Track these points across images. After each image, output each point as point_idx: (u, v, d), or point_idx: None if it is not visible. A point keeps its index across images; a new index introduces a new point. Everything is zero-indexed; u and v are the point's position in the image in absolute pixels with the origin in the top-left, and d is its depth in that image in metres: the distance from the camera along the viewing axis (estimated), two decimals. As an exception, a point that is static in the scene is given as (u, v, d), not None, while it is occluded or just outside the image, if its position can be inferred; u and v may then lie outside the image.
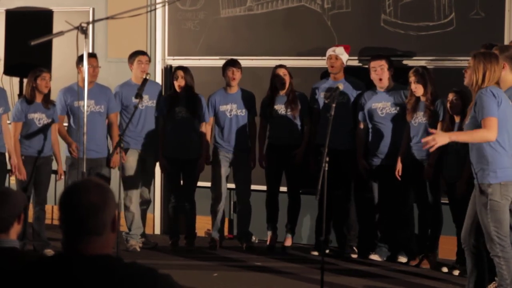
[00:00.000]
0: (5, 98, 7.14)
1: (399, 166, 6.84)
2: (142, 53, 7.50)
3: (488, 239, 5.01)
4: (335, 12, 7.49)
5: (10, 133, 6.96)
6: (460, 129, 6.39)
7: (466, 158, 6.33)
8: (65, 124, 7.34)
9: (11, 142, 6.93)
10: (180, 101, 7.34)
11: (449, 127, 6.50)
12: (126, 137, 7.24)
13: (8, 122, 7.07)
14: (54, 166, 7.21)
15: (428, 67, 6.94)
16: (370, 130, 7.10)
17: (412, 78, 6.68)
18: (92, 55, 7.24)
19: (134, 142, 7.38)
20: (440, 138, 4.96)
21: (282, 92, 7.34)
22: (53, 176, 7.28)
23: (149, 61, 7.53)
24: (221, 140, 7.43)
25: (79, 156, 7.03)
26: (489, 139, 4.93)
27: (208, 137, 7.49)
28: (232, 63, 7.37)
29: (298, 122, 7.36)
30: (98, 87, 7.27)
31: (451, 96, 6.45)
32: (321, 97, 7.28)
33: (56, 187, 7.88)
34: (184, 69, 7.37)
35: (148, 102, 7.42)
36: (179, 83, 7.30)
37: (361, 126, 7.14)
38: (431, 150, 5.13)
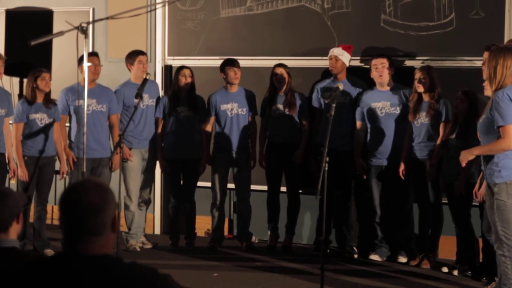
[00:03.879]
0: (9, 100, 7.14)
1: (402, 166, 6.84)
2: (142, 53, 7.50)
3: (496, 238, 4.98)
4: (335, 12, 7.49)
5: (12, 136, 6.96)
6: (463, 129, 6.39)
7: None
8: (67, 124, 7.34)
9: (13, 145, 6.93)
10: (181, 101, 7.35)
11: (453, 127, 6.50)
12: (129, 137, 7.27)
13: (10, 122, 7.06)
14: (57, 166, 7.21)
15: (428, 67, 6.95)
16: (369, 130, 7.10)
17: (418, 74, 6.68)
18: (94, 54, 7.25)
19: (136, 142, 7.38)
20: (465, 155, 5.09)
21: (281, 92, 7.35)
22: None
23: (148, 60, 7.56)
24: (222, 139, 7.42)
25: (79, 156, 7.04)
26: (506, 148, 4.85)
27: (209, 136, 7.49)
28: (232, 63, 7.37)
29: (297, 121, 7.36)
30: (100, 88, 7.28)
31: (460, 95, 6.45)
32: (322, 96, 7.29)
33: (56, 187, 7.88)
34: (190, 68, 7.39)
35: (149, 101, 7.43)
36: (187, 81, 7.30)
37: (359, 125, 7.14)
38: (463, 166, 5.25)
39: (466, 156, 5.08)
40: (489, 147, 4.97)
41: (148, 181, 7.57)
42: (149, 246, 7.50)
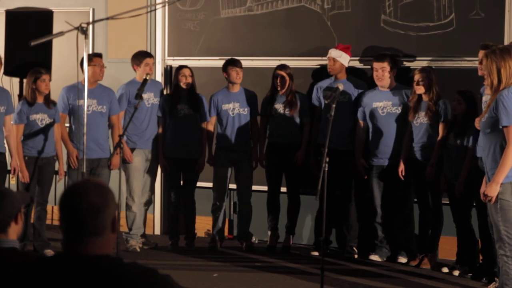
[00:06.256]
0: (9, 98, 7.13)
1: (402, 166, 6.84)
2: (149, 55, 7.50)
3: (498, 238, 4.96)
4: (335, 12, 7.49)
5: (14, 135, 6.96)
6: (461, 129, 6.40)
7: (465, 158, 6.36)
8: (66, 124, 7.34)
9: (14, 143, 6.93)
10: (181, 99, 7.36)
11: (451, 127, 6.51)
12: (133, 136, 7.29)
13: (11, 123, 7.06)
14: (56, 166, 7.22)
15: (428, 67, 6.95)
16: (371, 130, 7.10)
17: (416, 76, 6.67)
18: (98, 55, 7.24)
19: (140, 142, 7.38)
20: (491, 189, 4.85)
21: (282, 92, 7.35)
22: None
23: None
24: (223, 139, 7.42)
25: (78, 157, 7.04)
26: None
27: (211, 136, 7.49)
28: (235, 63, 7.37)
29: (297, 121, 7.36)
30: (101, 88, 7.27)
31: (456, 96, 6.45)
32: (322, 96, 7.29)
33: (56, 187, 7.88)
34: (189, 68, 7.40)
35: (154, 100, 7.43)
36: (187, 80, 7.31)
37: (361, 125, 7.14)
38: (492, 202, 4.91)
39: (492, 190, 4.85)
40: (504, 163, 4.81)
41: (150, 182, 7.57)
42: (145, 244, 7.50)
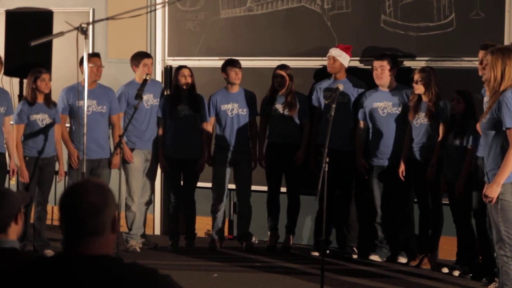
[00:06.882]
0: (9, 99, 7.14)
1: (402, 167, 6.84)
2: (148, 55, 7.50)
3: (498, 238, 4.95)
4: (335, 12, 7.49)
5: (13, 136, 6.96)
6: (460, 129, 6.40)
7: (465, 158, 6.36)
8: (67, 124, 7.34)
9: (13, 145, 6.93)
10: (182, 99, 7.36)
11: (451, 127, 6.51)
12: (132, 137, 7.29)
13: (11, 123, 7.06)
14: (56, 166, 7.22)
15: (428, 67, 6.94)
16: (371, 130, 7.10)
17: (416, 76, 6.68)
18: (96, 55, 7.25)
19: (139, 143, 7.39)
20: (491, 190, 4.85)
21: (282, 92, 7.35)
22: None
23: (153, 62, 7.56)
24: (222, 139, 7.43)
25: (79, 157, 7.04)
26: None
27: (210, 137, 7.50)
28: (234, 63, 7.37)
29: (297, 121, 7.36)
30: (101, 88, 7.27)
31: (455, 96, 6.45)
32: (322, 96, 7.29)
33: (56, 188, 7.88)
34: (189, 68, 7.40)
35: (153, 101, 7.43)
36: (186, 81, 7.31)
37: (361, 125, 7.14)
38: (493, 203, 4.90)
39: (493, 191, 4.84)
40: (506, 165, 4.80)
41: (150, 182, 7.57)
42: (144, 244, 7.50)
